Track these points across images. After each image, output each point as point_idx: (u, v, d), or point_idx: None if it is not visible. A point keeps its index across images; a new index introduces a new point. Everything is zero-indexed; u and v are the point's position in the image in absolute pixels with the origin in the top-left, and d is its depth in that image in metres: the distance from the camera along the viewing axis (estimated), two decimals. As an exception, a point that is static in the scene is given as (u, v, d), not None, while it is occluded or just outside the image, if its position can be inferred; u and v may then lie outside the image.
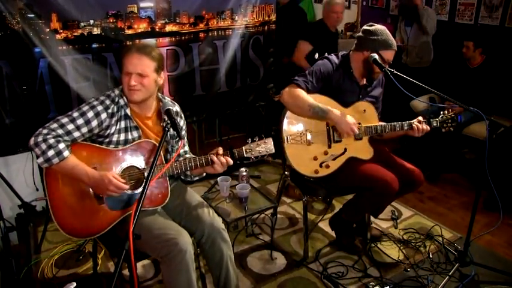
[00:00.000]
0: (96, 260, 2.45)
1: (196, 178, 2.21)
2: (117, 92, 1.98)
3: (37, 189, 3.01)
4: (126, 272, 2.42)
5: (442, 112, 2.57)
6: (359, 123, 2.43)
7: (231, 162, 1.98)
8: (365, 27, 2.45)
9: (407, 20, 4.45)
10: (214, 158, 1.95)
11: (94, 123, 1.87)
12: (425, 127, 2.49)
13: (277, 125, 2.42)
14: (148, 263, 2.60)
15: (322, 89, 2.41)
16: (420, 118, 2.52)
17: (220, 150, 1.97)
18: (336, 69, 2.44)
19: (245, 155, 2.00)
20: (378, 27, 2.41)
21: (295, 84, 2.36)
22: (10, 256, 2.46)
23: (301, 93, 2.33)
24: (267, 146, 2.00)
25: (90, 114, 1.87)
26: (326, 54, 2.52)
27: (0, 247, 2.61)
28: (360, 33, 2.45)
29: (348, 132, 2.31)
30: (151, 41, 3.08)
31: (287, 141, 2.30)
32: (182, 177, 2.23)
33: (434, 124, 2.54)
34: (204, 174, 2.15)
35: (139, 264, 2.56)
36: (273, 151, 2.02)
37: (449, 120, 2.54)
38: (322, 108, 2.30)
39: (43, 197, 2.91)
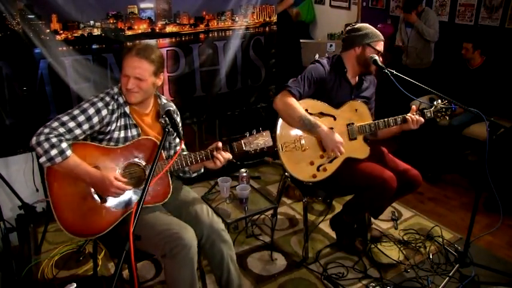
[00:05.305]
0: (96, 260, 2.45)
1: (195, 174, 2.21)
2: (116, 90, 1.98)
3: (37, 190, 3.01)
4: (126, 272, 2.43)
5: (435, 102, 2.54)
6: (352, 123, 2.44)
7: (230, 156, 1.98)
8: (348, 27, 2.53)
9: (407, 22, 4.46)
10: (214, 153, 1.96)
11: (95, 119, 1.88)
12: (420, 118, 2.45)
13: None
14: (149, 263, 2.60)
15: (315, 93, 2.41)
16: (413, 107, 2.50)
17: (219, 144, 1.97)
18: (328, 72, 2.44)
19: (244, 149, 1.98)
20: (361, 24, 2.49)
21: (288, 91, 2.35)
22: (10, 257, 2.47)
23: (294, 102, 2.33)
24: (265, 138, 1.99)
25: (91, 110, 1.87)
26: (316, 58, 2.53)
27: (0, 248, 2.61)
28: (346, 34, 2.52)
29: (333, 150, 2.32)
30: (151, 41, 3.08)
31: (282, 150, 2.28)
32: (181, 175, 2.23)
33: (429, 115, 2.50)
34: (202, 170, 2.17)
35: (139, 265, 2.56)
36: (271, 143, 2.00)
37: (443, 109, 2.50)
38: (311, 122, 2.31)
39: (44, 199, 2.92)
